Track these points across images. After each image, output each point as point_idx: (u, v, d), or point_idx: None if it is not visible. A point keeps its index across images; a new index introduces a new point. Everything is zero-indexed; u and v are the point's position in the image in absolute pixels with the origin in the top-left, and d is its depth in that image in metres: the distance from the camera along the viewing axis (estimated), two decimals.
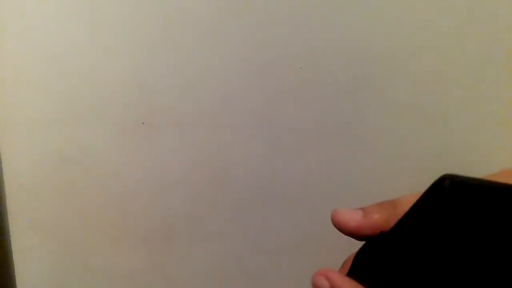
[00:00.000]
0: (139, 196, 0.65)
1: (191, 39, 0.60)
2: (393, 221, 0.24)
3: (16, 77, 0.60)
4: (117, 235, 0.66)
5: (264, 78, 0.60)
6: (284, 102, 0.61)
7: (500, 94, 0.60)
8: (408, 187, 0.37)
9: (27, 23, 0.59)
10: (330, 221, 0.26)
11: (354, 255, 0.27)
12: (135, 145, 0.63)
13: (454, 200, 0.19)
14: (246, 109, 0.61)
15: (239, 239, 0.66)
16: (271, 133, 0.62)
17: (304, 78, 0.60)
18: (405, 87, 0.60)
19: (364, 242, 0.26)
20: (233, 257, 0.67)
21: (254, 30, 0.59)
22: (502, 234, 0.19)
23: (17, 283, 0.67)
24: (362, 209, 0.25)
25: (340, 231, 0.26)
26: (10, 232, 0.65)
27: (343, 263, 0.28)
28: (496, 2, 0.57)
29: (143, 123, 0.62)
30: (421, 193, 0.21)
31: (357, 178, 0.63)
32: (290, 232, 0.64)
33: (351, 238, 0.26)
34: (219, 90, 0.61)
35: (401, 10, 0.58)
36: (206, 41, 0.60)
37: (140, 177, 0.64)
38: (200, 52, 0.60)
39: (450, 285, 0.19)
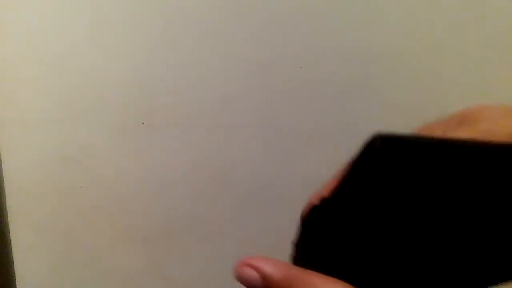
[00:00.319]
0: (139, 196, 0.65)
1: (191, 39, 0.60)
2: None
3: (16, 77, 0.60)
4: (117, 235, 0.66)
5: (264, 78, 0.60)
6: (284, 102, 0.61)
7: (500, 94, 0.60)
8: None
9: (27, 23, 0.59)
10: None
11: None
12: (135, 145, 0.63)
13: (386, 158, 0.18)
14: (246, 109, 0.61)
15: (239, 239, 0.66)
16: (271, 133, 0.62)
17: (304, 78, 0.60)
18: (405, 87, 0.60)
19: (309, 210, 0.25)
20: (233, 257, 0.67)
21: (254, 30, 0.59)
22: (436, 189, 0.18)
23: (17, 283, 0.67)
24: None
25: None
26: (10, 232, 0.65)
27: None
28: (496, 2, 0.57)
29: (143, 123, 0.62)
30: None
31: None
32: (290, 232, 0.64)
33: None
34: (219, 90, 0.61)
35: (401, 10, 0.58)
36: (206, 41, 0.60)
37: (140, 177, 0.64)
38: (200, 52, 0.60)
39: (384, 246, 0.18)
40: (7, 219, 0.64)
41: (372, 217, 0.18)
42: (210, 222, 0.66)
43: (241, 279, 0.21)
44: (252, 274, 0.21)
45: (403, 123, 0.61)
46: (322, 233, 0.22)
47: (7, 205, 0.64)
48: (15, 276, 0.66)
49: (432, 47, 0.59)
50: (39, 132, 0.62)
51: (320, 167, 0.63)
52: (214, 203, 0.65)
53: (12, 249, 0.65)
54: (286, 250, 0.27)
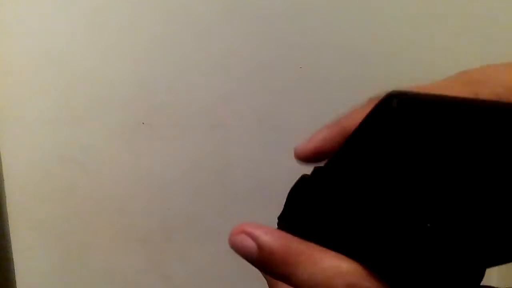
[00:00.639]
0: (139, 196, 0.65)
1: (191, 39, 0.60)
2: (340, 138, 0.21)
3: (16, 77, 0.60)
4: (117, 235, 0.66)
5: (264, 78, 0.60)
6: (284, 102, 0.61)
7: None
8: None
9: (28, 23, 0.59)
10: None
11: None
12: (135, 145, 0.63)
13: (404, 119, 0.16)
14: (246, 109, 0.61)
15: None
16: (271, 132, 0.62)
17: (304, 78, 0.60)
18: (405, 87, 0.60)
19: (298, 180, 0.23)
20: (232, 257, 0.67)
21: (254, 30, 0.59)
22: (458, 153, 0.16)
23: (17, 283, 0.67)
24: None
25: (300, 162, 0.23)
26: (10, 232, 0.65)
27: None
28: (496, 2, 0.57)
29: (143, 123, 0.62)
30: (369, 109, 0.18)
31: None
32: None
33: None
34: (219, 90, 0.61)
35: (401, 10, 0.58)
36: (206, 41, 0.60)
37: (140, 177, 0.64)
38: (200, 52, 0.60)
39: (391, 214, 0.16)
40: (7, 219, 0.64)
41: (387, 180, 0.17)
42: (209, 222, 0.66)
43: (235, 247, 0.20)
44: (248, 242, 0.19)
45: None
46: (313, 202, 0.21)
47: (7, 205, 0.64)
48: (15, 276, 0.66)
49: (432, 47, 0.59)
50: (39, 132, 0.62)
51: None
52: (214, 203, 0.65)
53: (12, 249, 0.65)
54: None
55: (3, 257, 0.65)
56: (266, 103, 0.61)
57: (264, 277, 0.21)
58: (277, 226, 0.23)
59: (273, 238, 0.19)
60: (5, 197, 0.64)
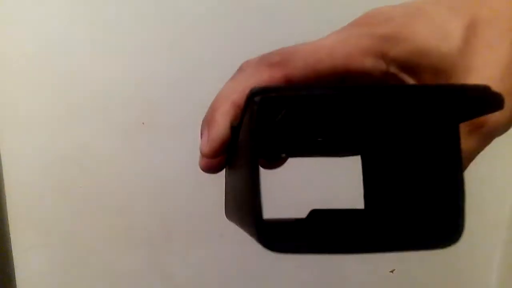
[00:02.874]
0: (139, 196, 0.65)
1: (191, 39, 0.60)
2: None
3: (16, 77, 0.60)
4: (117, 235, 0.66)
5: None
6: None
7: None
8: None
9: (28, 23, 0.59)
10: None
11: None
12: (135, 145, 0.63)
13: (265, 115, 0.18)
14: None
15: (239, 239, 0.66)
16: None
17: None
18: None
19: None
20: (232, 257, 0.67)
21: (254, 30, 0.59)
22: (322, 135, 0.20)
23: (17, 283, 0.67)
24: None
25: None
26: (10, 232, 0.65)
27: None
28: None
29: (143, 123, 0.62)
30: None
31: (357, 178, 0.63)
32: None
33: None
34: (219, 89, 0.61)
35: None
36: (206, 41, 0.60)
37: (140, 177, 0.64)
38: (200, 52, 0.60)
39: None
40: (7, 219, 0.64)
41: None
42: (209, 222, 0.66)
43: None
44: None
45: None
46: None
47: (7, 205, 0.64)
48: (15, 276, 0.66)
49: None
50: (39, 132, 0.62)
51: (320, 166, 0.63)
52: (214, 203, 0.65)
53: (12, 249, 0.66)
54: None
55: (3, 257, 0.65)
56: None
57: None
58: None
59: None
60: (5, 197, 0.64)
